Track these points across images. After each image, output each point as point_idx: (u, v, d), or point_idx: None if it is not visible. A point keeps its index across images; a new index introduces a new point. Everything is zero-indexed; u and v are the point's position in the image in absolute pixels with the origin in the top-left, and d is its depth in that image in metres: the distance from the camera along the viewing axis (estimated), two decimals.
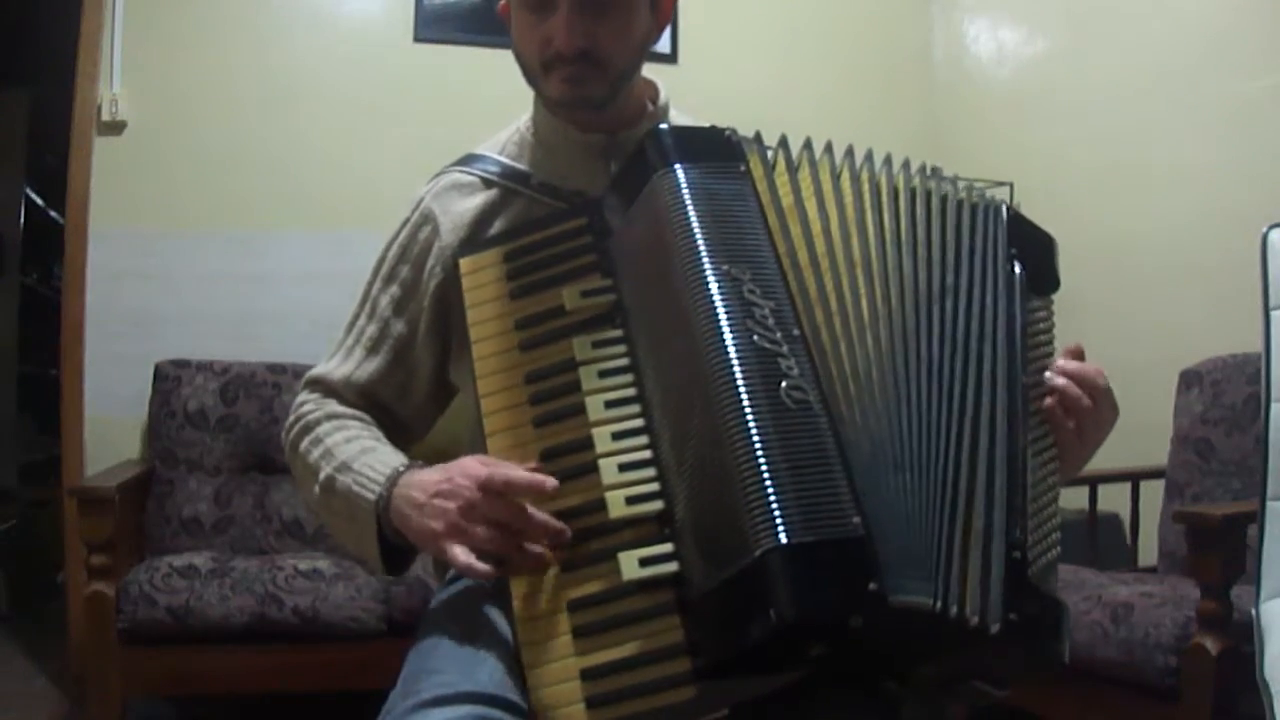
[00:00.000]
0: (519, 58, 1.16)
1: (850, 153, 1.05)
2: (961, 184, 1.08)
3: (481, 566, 0.93)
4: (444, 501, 0.96)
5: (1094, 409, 1.01)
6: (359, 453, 1.08)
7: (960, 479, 0.90)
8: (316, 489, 1.10)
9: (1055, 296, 1.10)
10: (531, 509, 0.92)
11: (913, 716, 0.93)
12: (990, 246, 1.04)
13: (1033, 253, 1.07)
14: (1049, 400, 1.00)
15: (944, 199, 1.05)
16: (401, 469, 1.04)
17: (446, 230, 1.16)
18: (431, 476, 1.00)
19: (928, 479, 0.89)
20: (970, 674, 0.96)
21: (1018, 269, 1.03)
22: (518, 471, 0.94)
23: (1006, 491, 0.91)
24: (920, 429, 0.91)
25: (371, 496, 1.03)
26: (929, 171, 1.07)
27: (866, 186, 1.03)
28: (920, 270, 1.00)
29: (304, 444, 1.14)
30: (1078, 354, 1.05)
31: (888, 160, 1.06)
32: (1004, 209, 1.07)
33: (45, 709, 2.76)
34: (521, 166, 1.19)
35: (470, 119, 1.72)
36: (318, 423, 1.14)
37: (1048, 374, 1.01)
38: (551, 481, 0.92)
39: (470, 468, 0.96)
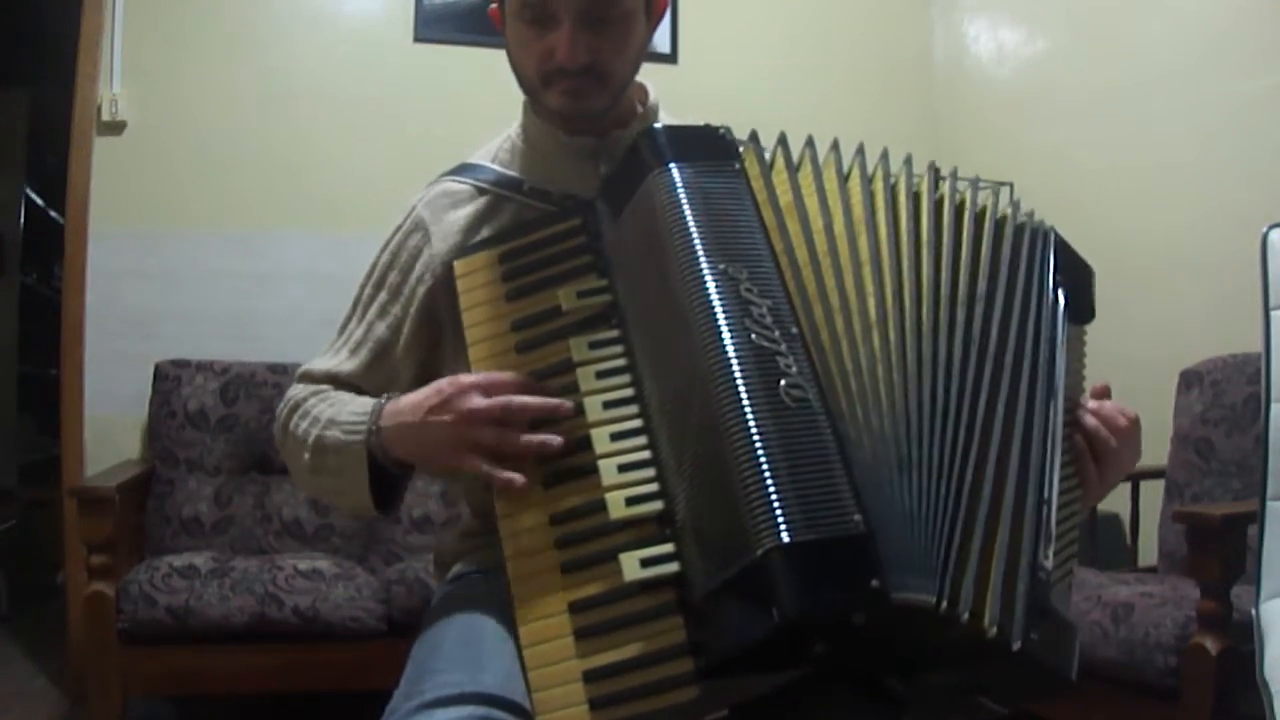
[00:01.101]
0: (516, 68, 1.16)
1: (861, 151, 1.05)
2: (1004, 201, 1.08)
3: (505, 474, 0.94)
4: (440, 415, 0.98)
5: (1118, 452, 1.04)
6: (342, 407, 1.11)
7: (983, 484, 0.90)
8: (307, 455, 1.12)
9: None
10: (525, 398, 0.96)
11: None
12: (1038, 269, 1.05)
13: (1073, 281, 1.08)
14: (1079, 438, 1.02)
15: (981, 211, 1.05)
16: (384, 400, 1.07)
17: (437, 238, 1.17)
18: (418, 396, 1.02)
19: (937, 478, 0.89)
20: (978, 688, 0.96)
21: (1062, 296, 1.04)
22: (502, 375, 0.98)
23: (1036, 510, 0.91)
24: (931, 427, 0.91)
25: (360, 436, 1.06)
26: (959, 178, 1.06)
27: (880, 186, 1.03)
28: (944, 273, 0.99)
29: (293, 420, 1.16)
30: (1105, 393, 1.07)
31: (908, 161, 1.05)
32: (1053, 235, 1.08)
33: (45, 709, 2.76)
34: (513, 173, 1.20)
35: (470, 119, 1.72)
36: (304, 399, 1.17)
37: (1080, 412, 1.03)
38: (530, 381, 0.97)
39: (457, 379, 0.99)
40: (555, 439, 0.94)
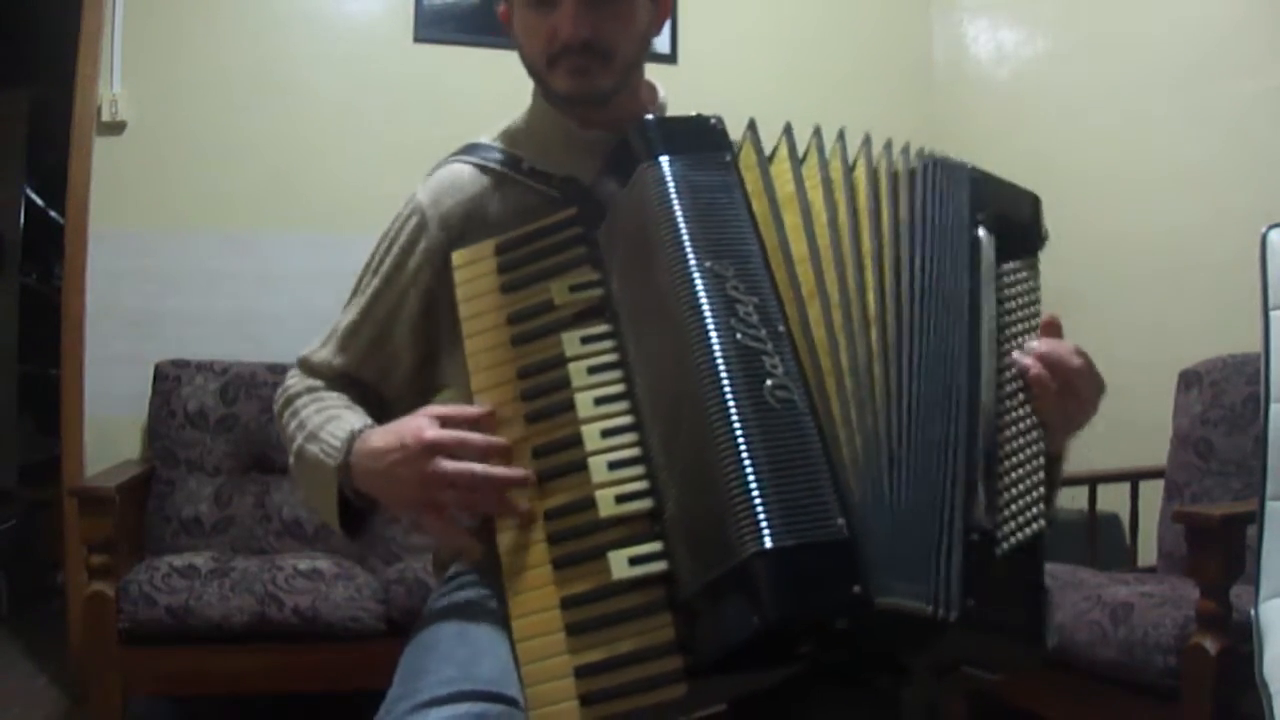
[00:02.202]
0: (524, 57, 1.16)
1: (868, 141, 1.04)
2: (917, 151, 1.04)
3: (462, 536, 0.95)
4: (403, 470, 0.97)
5: (1072, 389, 0.97)
6: (325, 421, 1.10)
7: (949, 471, 0.89)
8: (292, 458, 1.13)
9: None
10: (488, 468, 0.93)
11: (911, 706, 0.93)
12: (948, 215, 1.01)
13: (1008, 213, 1.03)
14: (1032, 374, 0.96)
15: (912, 173, 1.02)
16: (356, 433, 1.05)
17: (435, 227, 1.16)
18: (382, 442, 1.00)
19: (920, 475, 0.88)
20: (957, 660, 0.95)
21: (983, 234, 1.01)
22: (468, 432, 0.95)
23: (966, 471, 0.89)
24: (919, 423, 0.90)
25: (332, 464, 1.05)
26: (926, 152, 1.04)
27: (884, 174, 1.02)
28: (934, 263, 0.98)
29: (285, 416, 1.18)
30: (1053, 327, 1.00)
31: (906, 150, 1.04)
32: (965, 170, 1.04)
33: (45, 709, 2.77)
34: (515, 152, 1.19)
35: (470, 119, 1.70)
36: (297, 395, 1.18)
37: (1017, 354, 0.97)
38: (488, 410, 0.95)
39: (420, 431, 0.97)
40: (519, 472, 0.93)
